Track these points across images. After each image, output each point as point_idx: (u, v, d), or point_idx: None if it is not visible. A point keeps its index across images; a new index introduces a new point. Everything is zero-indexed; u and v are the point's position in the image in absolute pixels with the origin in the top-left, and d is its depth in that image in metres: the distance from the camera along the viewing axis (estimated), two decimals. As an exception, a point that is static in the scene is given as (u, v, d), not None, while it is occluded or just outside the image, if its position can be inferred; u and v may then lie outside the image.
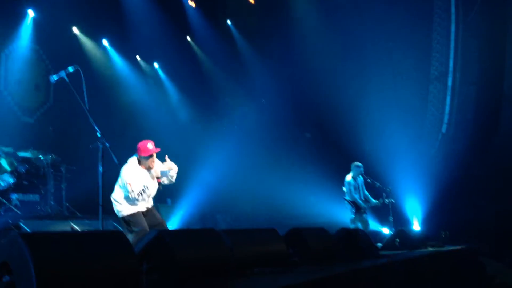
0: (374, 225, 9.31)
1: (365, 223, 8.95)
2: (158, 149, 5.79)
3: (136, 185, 5.65)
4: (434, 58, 10.53)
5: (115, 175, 5.63)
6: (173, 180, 6.06)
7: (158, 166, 5.98)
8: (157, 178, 5.99)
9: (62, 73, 5.14)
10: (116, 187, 5.84)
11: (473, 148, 9.93)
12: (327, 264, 4.85)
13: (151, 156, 5.75)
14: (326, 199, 10.21)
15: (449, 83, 10.17)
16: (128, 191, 5.62)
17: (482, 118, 10.09)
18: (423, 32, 10.79)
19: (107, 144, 4.72)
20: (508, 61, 10.25)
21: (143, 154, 5.72)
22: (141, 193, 5.69)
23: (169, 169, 5.96)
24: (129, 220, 5.78)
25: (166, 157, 5.96)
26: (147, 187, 5.78)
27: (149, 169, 5.83)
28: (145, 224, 5.70)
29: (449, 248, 7.33)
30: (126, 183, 5.62)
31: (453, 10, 10.21)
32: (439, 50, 10.46)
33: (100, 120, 5.29)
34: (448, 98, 10.16)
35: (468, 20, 10.21)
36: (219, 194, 11.31)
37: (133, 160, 5.81)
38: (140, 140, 5.77)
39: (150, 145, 5.73)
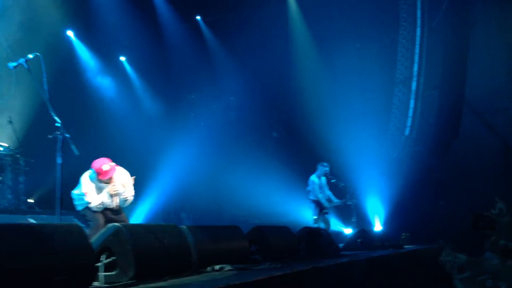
0: (337, 225, 9.42)
1: (327, 223, 9.04)
2: (115, 169, 5.69)
3: (94, 198, 5.72)
4: (399, 62, 10.72)
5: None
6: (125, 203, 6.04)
7: (122, 178, 5.92)
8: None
9: (21, 60, 4.97)
10: (79, 187, 5.84)
11: (434, 150, 10.18)
12: (289, 262, 4.87)
13: (110, 178, 5.72)
14: (292, 198, 10.27)
15: (413, 87, 10.37)
16: (87, 201, 5.73)
17: (443, 121, 10.34)
18: (390, 35, 10.98)
19: (67, 135, 4.57)
20: (470, 67, 10.56)
21: (101, 178, 5.67)
22: (102, 203, 5.76)
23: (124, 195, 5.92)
24: (84, 214, 5.81)
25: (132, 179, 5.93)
26: (106, 201, 5.81)
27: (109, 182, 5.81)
28: (100, 219, 5.72)
29: (408, 248, 7.48)
30: (84, 193, 5.68)
31: (418, 15, 10.41)
32: (404, 54, 10.65)
33: (63, 111, 5.13)
34: (412, 102, 10.35)
35: (433, 25, 10.44)
36: (184, 191, 11.20)
37: (91, 174, 5.75)
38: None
39: (106, 166, 5.62)
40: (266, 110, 12.27)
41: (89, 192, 5.72)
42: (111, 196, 5.83)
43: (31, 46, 8.77)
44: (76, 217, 7.61)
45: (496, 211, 2.67)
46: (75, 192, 5.86)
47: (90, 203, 5.75)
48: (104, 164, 5.64)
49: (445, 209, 9.16)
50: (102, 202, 5.77)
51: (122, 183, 5.95)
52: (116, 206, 5.95)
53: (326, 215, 9.08)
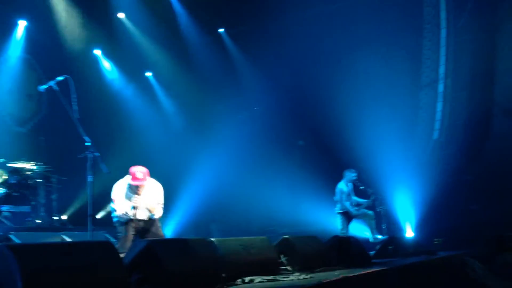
0: (366, 232, 9.29)
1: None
2: (145, 180, 5.80)
3: (122, 203, 5.83)
4: (425, 64, 10.55)
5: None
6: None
7: (152, 191, 6.04)
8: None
9: (51, 83, 5.15)
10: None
11: (464, 153, 9.95)
12: (319, 272, 4.84)
13: (137, 186, 5.85)
14: (320, 206, 10.20)
15: (440, 89, 10.20)
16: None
17: (473, 123, 10.11)
18: (414, 38, 10.84)
19: (97, 154, 4.72)
20: (499, 67, 10.31)
21: (132, 181, 5.82)
22: (126, 213, 5.84)
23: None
24: (116, 226, 6.00)
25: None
26: (137, 206, 5.91)
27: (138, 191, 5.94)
28: (129, 231, 5.85)
29: (442, 254, 7.32)
30: (112, 200, 5.76)
31: (443, 16, 10.25)
32: (430, 57, 10.49)
33: (92, 129, 5.29)
34: (439, 104, 10.17)
35: (459, 26, 10.26)
36: (213, 203, 11.26)
37: (126, 178, 5.87)
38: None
39: (140, 174, 5.76)
40: (291, 118, 12.25)
41: (116, 199, 5.85)
42: (134, 208, 5.91)
43: (62, 67, 9.07)
44: (108, 233, 7.78)
45: None
46: (112, 205, 6.05)
47: (116, 210, 5.90)
48: (139, 172, 5.77)
49: (478, 213, 8.94)
50: (126, 212, 5.85)
51: (152, 196, 6.05)
52: (147, 217, 6.04)
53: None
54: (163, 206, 6.17)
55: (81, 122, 5.16)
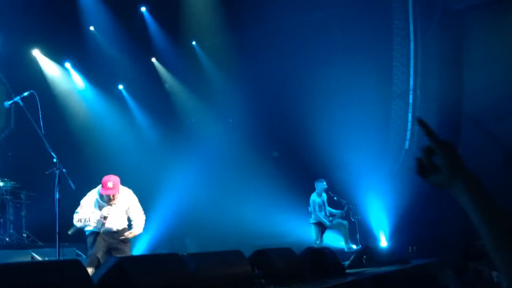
0: (341, 242, 9.34)
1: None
2: (117, 192, 5.66)
3: (87, 213, 5.61)
4: (395, 76, 10.75)
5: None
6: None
7: (126, 202, 5.90)
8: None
9: (17, 98, 5.05)
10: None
11: (436, 162, 10.11)
12: (293, 285, 4.82)
13: (108, 196, 5.67)
14: (294, 218, 10.21)
15: (410, 100, 10.39)
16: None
17: (442, 134, 10.21)
18: (384, 50, 11.04)
19: (64, 170, 4.62)
20: (466, 78, 10.57)
21: (102, 190, 5.64)
22: (91, 220, 5.64)
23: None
24: (87, 240, 5.81)
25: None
26: (105, 217, 5.68)
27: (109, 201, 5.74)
28: (97, 248, 5.67)
29: (415, 263, 7.39)
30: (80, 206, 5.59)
31: (411, 29, 10.48)
32: (400, 69, 10.68)
33: (62, 144, 5.19)
34: (410, 115, 10.36)
35: (426, 38, 10.50)
36: (188, 217, 11.15)
37: (95, 190, 5.73)
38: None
39: (110, 183, 5.59)
40: (265, 130, 12.27)
41: (83, 206, 5.63)
42: (105, 218, 5.71)
43: (30, 81, 8.90)
44: (79, 249, 7.62)
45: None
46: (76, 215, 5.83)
47: (78, 216, 5.65)
48: (111, 181, 5.60)
49: (451, 221, 9.09)
50: (85, 219, 5.63)
51: (126, 209, 5.92)
52: (121, 228, 5.90)
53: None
54: (144, 217, 6.02)
55: (49, 137, 5.06)
